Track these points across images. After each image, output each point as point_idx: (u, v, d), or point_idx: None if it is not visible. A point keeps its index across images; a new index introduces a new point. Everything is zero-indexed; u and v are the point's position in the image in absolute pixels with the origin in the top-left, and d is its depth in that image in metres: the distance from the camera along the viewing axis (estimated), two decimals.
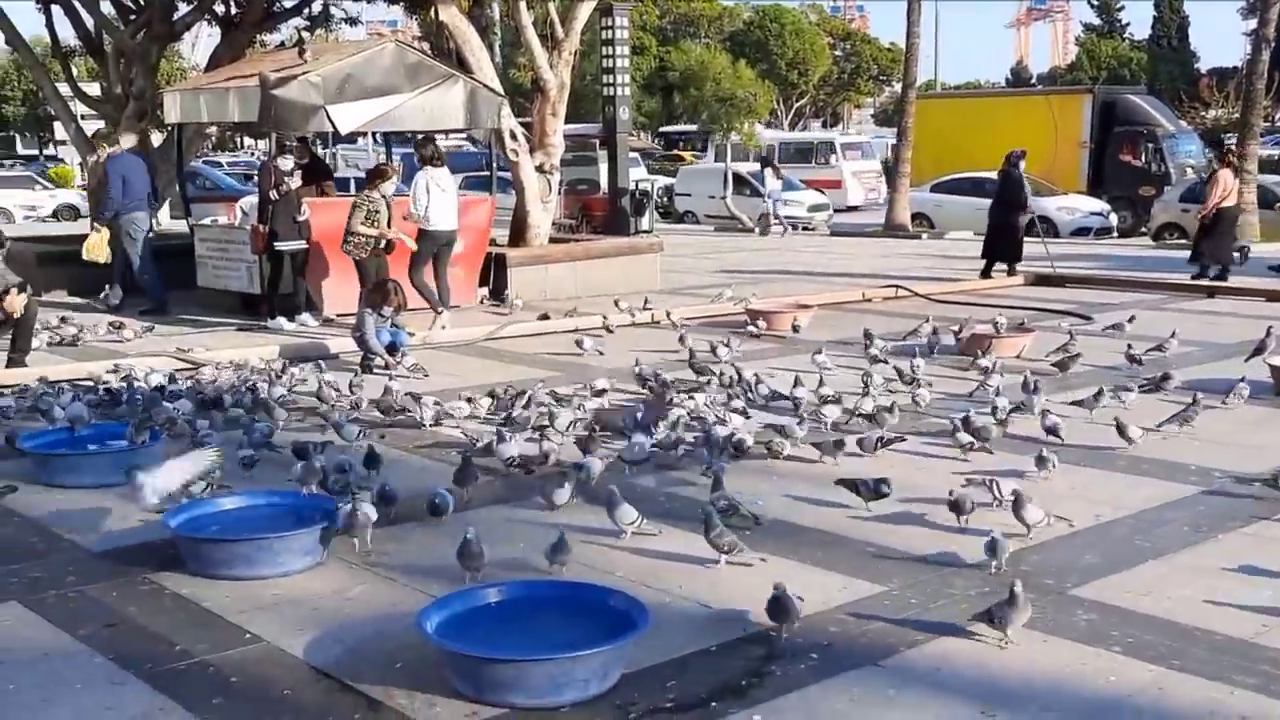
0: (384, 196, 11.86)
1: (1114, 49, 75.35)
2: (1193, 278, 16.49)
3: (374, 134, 20.27)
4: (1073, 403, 8.39)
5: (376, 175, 12.12)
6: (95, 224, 13.70)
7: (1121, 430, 7.51)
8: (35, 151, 60.29)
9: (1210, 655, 4.53)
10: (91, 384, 9.44)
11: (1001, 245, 16.94)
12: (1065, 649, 4.56)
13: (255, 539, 5.54)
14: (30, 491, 6.79)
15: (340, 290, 12.49)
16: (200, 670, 4.53)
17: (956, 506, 5.95)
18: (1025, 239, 16.98)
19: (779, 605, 4.58)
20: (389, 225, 11.82)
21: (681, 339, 10.85)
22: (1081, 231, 25.24)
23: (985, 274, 16.91)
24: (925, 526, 6.05)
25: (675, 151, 44.77)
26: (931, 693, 4.28)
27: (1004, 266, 16.87)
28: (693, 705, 4.17)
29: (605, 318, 12.45)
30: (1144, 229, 25.03)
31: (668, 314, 12.91)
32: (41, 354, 10.91)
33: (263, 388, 8.99)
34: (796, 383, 8.74)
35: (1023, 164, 17.09)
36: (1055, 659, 4.51)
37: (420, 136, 13.99)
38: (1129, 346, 10.32)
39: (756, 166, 32.96)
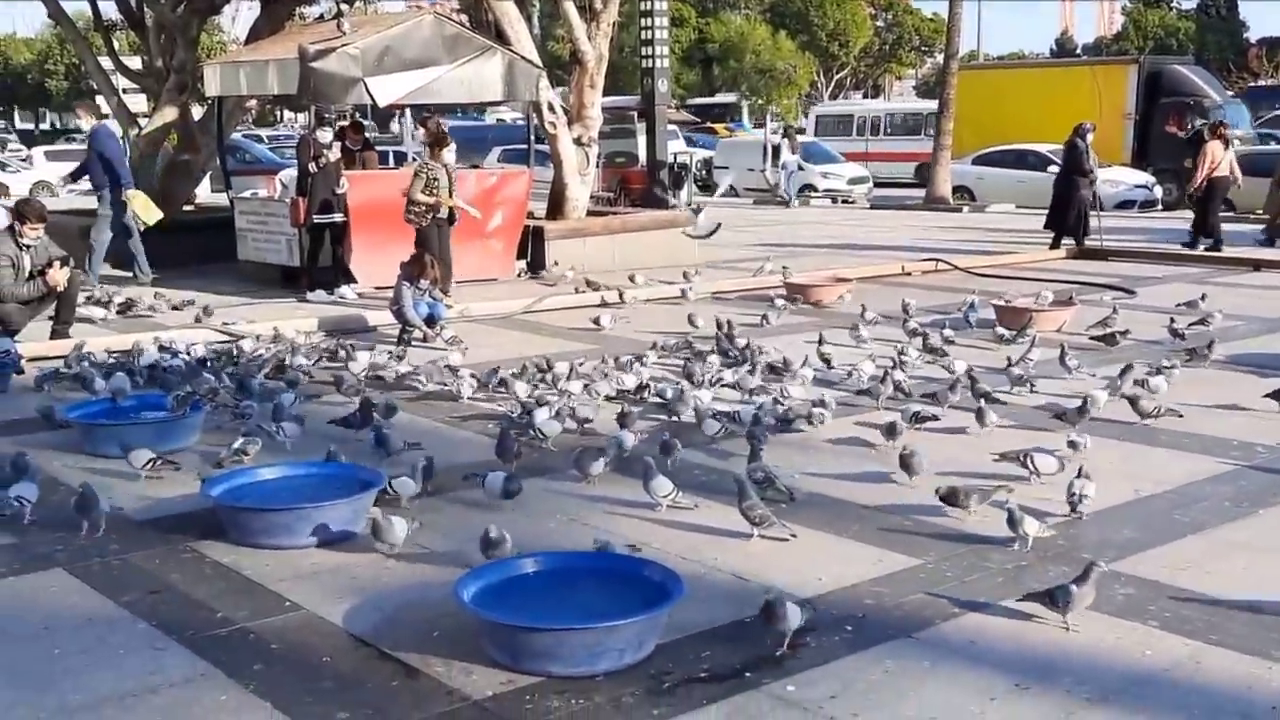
0: (444, 165, 11.86)
1: (1161, 19, 74.26)
2: (1184, 245, 16.77)
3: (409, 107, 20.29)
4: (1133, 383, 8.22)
5: (436, 143, 12.13)
6: (126, 194, 13.50)
7: (1134, 403, 7.49)
8: (33, 126, 60.63)
9: (1249, 630, 4.50)
10: (129, 356, 9.54)
11: (1062, 217, 16.88)
12: (1101, 622, 4.54)
13: (295, 509, 5.60)
14: (74, 461, 6.90)
15: (378, 263, 12.53)
16: (241, 637, 4.60)
17: (951, 499, 5.77)
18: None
19: (770, 611, 4.32)
20: (449, 194, 11.84)
21: (691, 319, 10.75)
22: (1126, 204, 24.92)
23: (1055, 245, 16.89)
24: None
25: (707, 124, 44.24)
26: (966, 665, 4.27)
27: (1067, 239, 16.79)
28: (727, 675, 4.19)
29: (620, 292, 12.43)
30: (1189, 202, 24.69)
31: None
32: (89, 327, 11.04)
33: (298, 360, 9.09)
34: (821, 343, 9.09)
35: (1090, 136, 16.96)
36: (1091, 632, 4.49)
37: (425, 114, 13.87)
38: (1171, 320, 10.22)
39: (798, 139, 32.80)
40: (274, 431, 7.01)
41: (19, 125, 65.65)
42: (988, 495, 5.80)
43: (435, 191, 11.65)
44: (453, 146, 12.31)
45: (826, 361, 8.99)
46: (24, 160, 34.02)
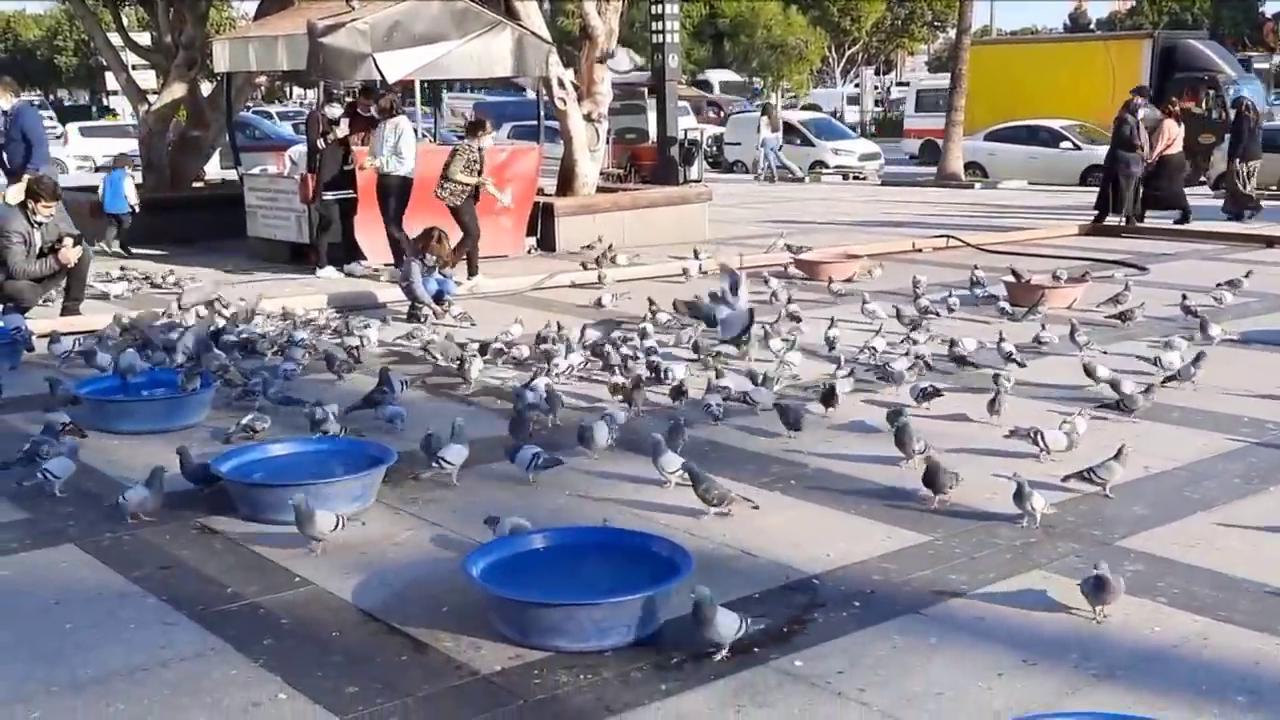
0: (481, 149, 11.95)
1: None
2: (1176, 222, 16.90)
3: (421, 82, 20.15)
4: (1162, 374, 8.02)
5: (477, 127, 12.19)
6: (21, 176, 11.82)
7: (1090, 372, 7.56)
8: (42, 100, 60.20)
9: (1258, 606, 4.49)
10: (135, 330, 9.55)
11: (1113, 193, 16.74)
12: None
13: (305, 484, 5.61)
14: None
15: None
16: (251, 612, 4.62)
17: (930, 478, 5.65)
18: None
19: (697, 613, 4.10)
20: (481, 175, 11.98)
21: (676, 305, 10.30)
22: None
23: (1099, 220, 16.69)
24: (969, 477, 5.99)
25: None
26: (973, 641, 4.27)
27: (1121, 215, 16.60)
28: (735, 651, 4.19)
29: (600, 275, 12.25)
30: (1203, 178, 24.53)
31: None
32: (97, 303, 11.06)
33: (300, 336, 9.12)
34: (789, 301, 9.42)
35: (1142, 111, 16.83)
36: None
37: (381, 90, 13.48)
38: (1184, 297, 10.16)
39: (809, 115, 32.67)
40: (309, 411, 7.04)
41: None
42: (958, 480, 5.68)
43: (475, 173, 11.75)
44: (494, 133, 12.37)
45: (796, 319, 9.38)
46: (57, 137, 33.90)
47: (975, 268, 11.71)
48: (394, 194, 12.20)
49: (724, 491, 5.51)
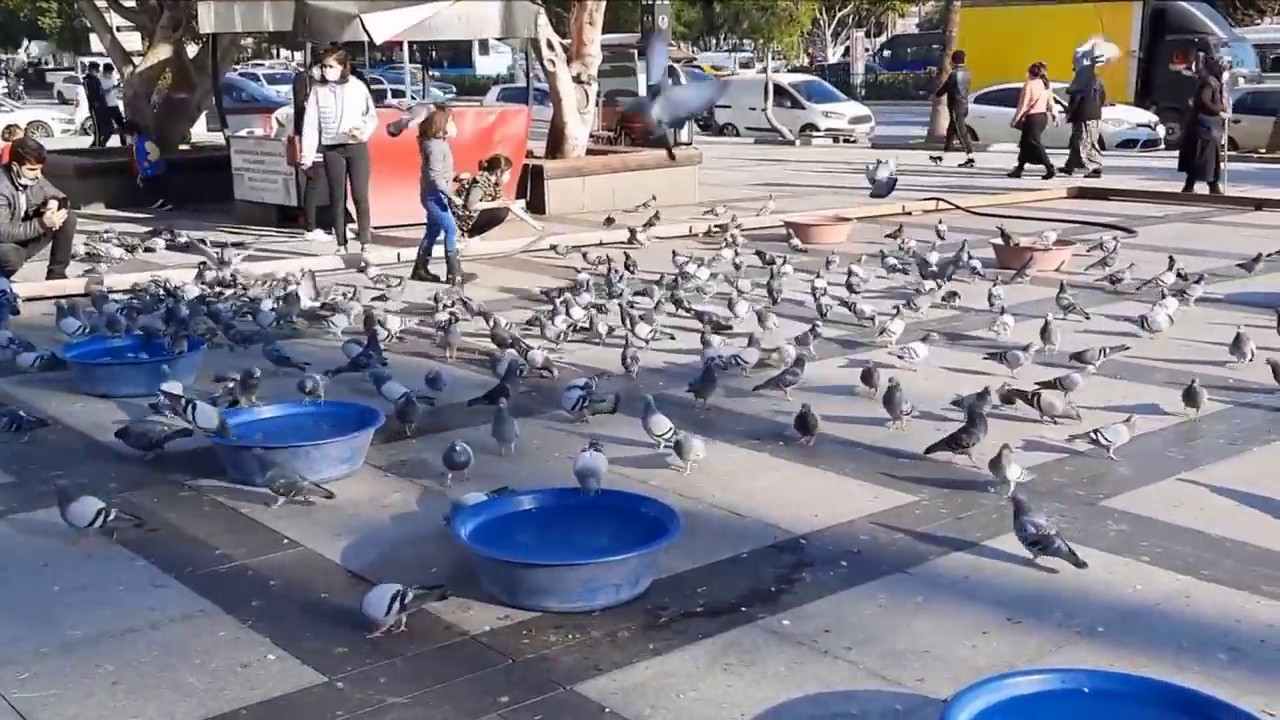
0: (499, 183, 12.08)
1: None
2: (1009, 174, 18.33)
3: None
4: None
5: (495, 164, 12.14)
6: None
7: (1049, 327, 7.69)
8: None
9: (1240, 565, 4.53)
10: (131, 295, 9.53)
11: (1188, 156, 16.50)
12: (1093, 558, 4.54)
13: (293, 447, 5.61)
14: (72, 400, 6.91)
15: (376, 202, 12.44)
16: (240, 573, 4.63)
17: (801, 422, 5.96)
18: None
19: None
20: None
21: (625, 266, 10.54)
22: (1128, 143, 24.73)
23: (1188, 188, 16.23)
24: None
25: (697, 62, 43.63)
26: (959, 600, 4.31)
27: (1206, 180, 16.20)
28: (723, 610, 4.23)
29: (554, 246, 11.97)
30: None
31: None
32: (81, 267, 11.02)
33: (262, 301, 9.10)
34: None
35: (1226, 74, 16.72)
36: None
37: (337, 50, 12.94)
38: (1170, 260, 10.16)
39: (799, 78, 32.55)
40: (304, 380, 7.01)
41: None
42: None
43: (494, 196, 11.97)
44: (509, 170, 12.52)
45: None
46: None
47: (940, 222, 12.14)
48: (365, 159, 11.98)
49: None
